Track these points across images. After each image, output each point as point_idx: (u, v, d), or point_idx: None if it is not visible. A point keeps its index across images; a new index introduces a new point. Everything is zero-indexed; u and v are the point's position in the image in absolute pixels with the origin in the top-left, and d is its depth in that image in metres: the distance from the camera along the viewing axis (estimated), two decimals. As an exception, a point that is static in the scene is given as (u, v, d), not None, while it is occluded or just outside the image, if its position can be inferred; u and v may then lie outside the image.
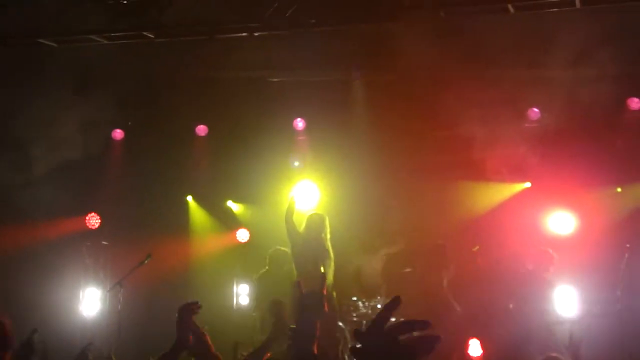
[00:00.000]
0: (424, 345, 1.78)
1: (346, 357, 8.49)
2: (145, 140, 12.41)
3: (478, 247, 10.59)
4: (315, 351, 3.18)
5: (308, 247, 9.42)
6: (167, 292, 11.02)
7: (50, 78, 10.46)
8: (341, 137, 11.47)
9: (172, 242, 11.91)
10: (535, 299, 9.39)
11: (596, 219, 10.58)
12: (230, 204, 12.83)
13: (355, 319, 10.06)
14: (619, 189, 11.01)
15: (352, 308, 10.27)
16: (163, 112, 11.91)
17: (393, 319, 1.86)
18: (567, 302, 9.57)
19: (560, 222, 10.89)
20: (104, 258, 12.69)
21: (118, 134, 12.75)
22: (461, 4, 9.18)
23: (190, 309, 3.98)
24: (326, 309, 3.30)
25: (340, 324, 9.44)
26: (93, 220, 12.56)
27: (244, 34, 9.82)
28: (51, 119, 10.73)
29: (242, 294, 12.29)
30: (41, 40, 10.07)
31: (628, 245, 9.44)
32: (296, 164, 12.33)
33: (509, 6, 8.80)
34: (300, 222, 9.68)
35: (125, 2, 8.98)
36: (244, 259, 12.36)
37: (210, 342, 4.02)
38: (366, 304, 10.33)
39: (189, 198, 12.94)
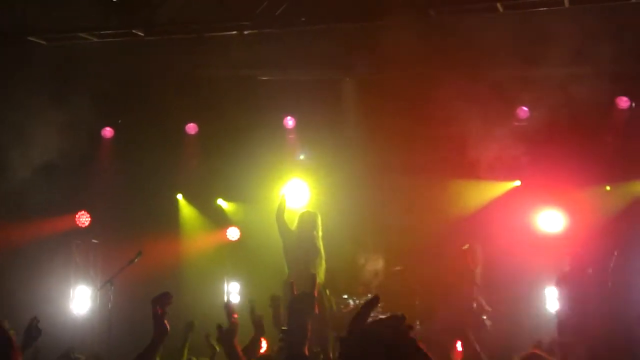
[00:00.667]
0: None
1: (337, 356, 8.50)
2: (135, 138, 12.36)
3: (468, 245, 10.65)
4: (307, 353, 3.20)
5: (300, 246, 9.43)
6: (157, 290, 10.84)
7: (37, 75, 10.40)
8: (331, 136, 11.50)
9: (162, 240, 11.89)
10: None
11: (586, 217, 10.64)
12: (220, 202, 12.82)
13: (346, 316, 10.09)
14: (608, 188, 11.09)
15: (342, 306, 10.31)
16: (153, 110, 11.86)
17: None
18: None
19: (550, 220, 10.96)
20: (94, 256, 12.68)
21: (108, 132, 12.70)
22: (451, 3, 9.20)
23: (164, 300, 3.99)
24: (317, 310, 3.33)
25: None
26: (83, 218, 12.52)
27: (234, 33, 9.82)
28: (39, 116, 10.66)
29: (232, 292, 12.31)
30: (31, 38, 10.02)
31: (616, 254, 9.49)
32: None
33: (498, 5, 8.84)
34: (291, 220, 9.68)
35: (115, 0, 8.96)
36: (235, 257, 12.40)
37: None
38: (357, 301, 10.37)
39: (179, 196, 12.92)
